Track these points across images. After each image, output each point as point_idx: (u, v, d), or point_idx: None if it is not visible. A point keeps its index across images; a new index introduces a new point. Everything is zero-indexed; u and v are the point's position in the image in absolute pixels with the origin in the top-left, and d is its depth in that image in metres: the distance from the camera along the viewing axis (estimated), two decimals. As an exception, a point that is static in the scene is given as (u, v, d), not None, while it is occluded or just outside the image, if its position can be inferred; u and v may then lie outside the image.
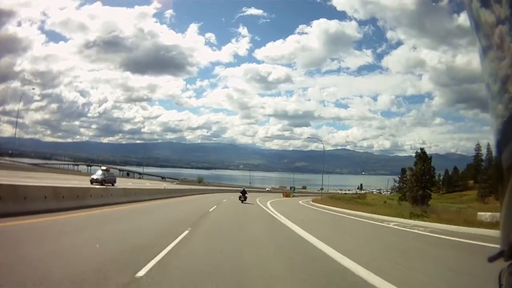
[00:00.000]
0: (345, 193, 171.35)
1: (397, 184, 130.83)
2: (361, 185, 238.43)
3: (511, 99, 1.26)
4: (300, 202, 58.21)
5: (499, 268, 1.44)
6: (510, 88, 1.26)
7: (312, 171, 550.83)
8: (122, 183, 49.56)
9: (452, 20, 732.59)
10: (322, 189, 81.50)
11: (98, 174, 44.68)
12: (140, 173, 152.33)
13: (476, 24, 1.44)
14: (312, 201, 59.17)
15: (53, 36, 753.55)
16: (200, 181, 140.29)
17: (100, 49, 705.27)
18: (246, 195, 45.44)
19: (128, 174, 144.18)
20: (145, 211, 21.43)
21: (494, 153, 1.46)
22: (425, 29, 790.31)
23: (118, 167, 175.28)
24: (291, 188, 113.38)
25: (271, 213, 27.61)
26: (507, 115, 1.30)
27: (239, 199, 43.86)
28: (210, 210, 25.64)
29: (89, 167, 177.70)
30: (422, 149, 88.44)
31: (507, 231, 1.37)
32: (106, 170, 47.78)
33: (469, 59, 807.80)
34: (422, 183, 77.57)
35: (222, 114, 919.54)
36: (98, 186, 30.26)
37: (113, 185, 41.70)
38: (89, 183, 38.86)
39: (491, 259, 1.41)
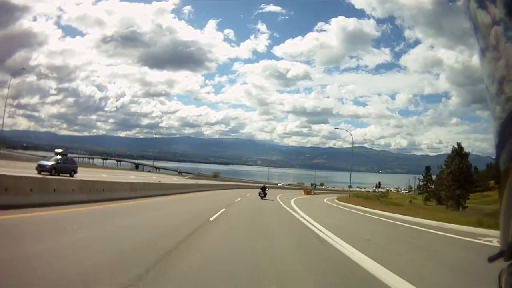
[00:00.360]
0: (368, 191, 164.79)
1: (421, 183, 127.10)
2: (379, 183, 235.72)
3: (508, 100, 1.26)
4: (325, 200, 52.73)
5: (499, 268, 1.43)
6: (506, 89, 1.26)
7: (329, 168, 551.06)
8: (119, 176, 42.86)
9: (468, 19, 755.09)
10: (350, 187, 79.36)
11: (49, 160, 34.84)
12: (156, 167, 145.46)
13: (474, 25, 1.43)
14: (338, 200, 54.86)
15: (70, 31, 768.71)
16: (216, 176, 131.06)
17: (118, 44, 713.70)
18: (266, 191, 45.29)
19: (137, 167, 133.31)
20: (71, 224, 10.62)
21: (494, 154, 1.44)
22: (442, 28, 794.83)
23: (136, 161, 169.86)
24: (312, 185, 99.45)
25: (302, 219, 18.74)
26: (504, 117, 1.29)
27: (259, 195, 43.85)
28: (211, 218, 15.75)
29: (104, 161, 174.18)
30: (459, 144, 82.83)
31: (507, 231, 1.36)
32: (62, 155, 36.35)
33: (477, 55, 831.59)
34: (459, 182, 71.19)
35: (240, 110, 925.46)
36: (46, 176, 20.76)
37: (71, 175, 32.66)
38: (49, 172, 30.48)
39: (491, 259, 1.41)
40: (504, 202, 1.34)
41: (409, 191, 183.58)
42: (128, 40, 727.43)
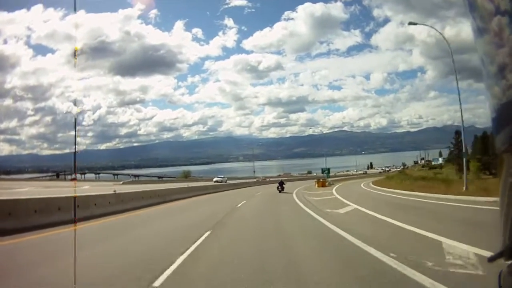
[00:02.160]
0: (382, 171, 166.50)
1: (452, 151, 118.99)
2: (371, 163, 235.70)
3: (510, 87, 1.25)
4: (366, 189, 44.74)
5: (499, 268, 1.43)
6: (509, 76, 1.26)
7: (311, 155, 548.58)
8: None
9: None
10: (387, 168, 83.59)
11: None
12: (135, 175, 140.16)
13: (470, 3, 1.43)
14: (374, 184, 53.44)
15: (41, 50, 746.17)
16: (186, 176, 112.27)
17: (88, 57, 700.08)
18: (284, 185, 46.65)
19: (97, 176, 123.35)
20: None
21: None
22: (411, 4, 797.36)
23: (116, 171, 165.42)
24: (323, 171, 71.96)
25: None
26: (504, 100, 1.29)
27: (277, 189, 45.32)
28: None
29: (83, 175, 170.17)
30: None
31: (507, 231, 1.36)
32: None
33: (458, 30, 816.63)
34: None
35: (216, 108, 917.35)
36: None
37: None
38: None
39: (491, 259, 1.41)
40: (504, 201, 1.32)
41: (403, 168, 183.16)
42: (98, 51, 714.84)
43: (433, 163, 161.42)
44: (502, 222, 1.36)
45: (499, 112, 1.31)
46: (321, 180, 59.79)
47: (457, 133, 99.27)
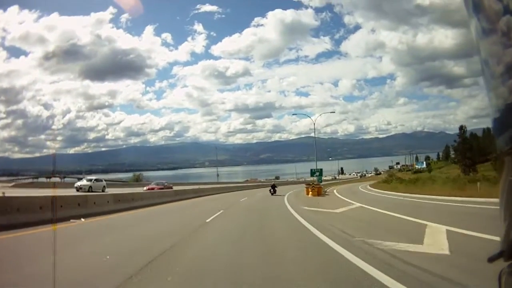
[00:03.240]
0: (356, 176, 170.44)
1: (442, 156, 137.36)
2: (341, 168, 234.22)
3: None
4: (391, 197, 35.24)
5: (499, 268, 1.41)
6: None
7: (277, 161, 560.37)
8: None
9: (410, 0, 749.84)
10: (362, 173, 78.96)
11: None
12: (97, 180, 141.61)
13: (474, 4, 1.42)
14: (372, 187, 55.53)
15: (14, 52, 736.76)
16: (137, 179, 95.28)
17: (60, 60, 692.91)
18: (276, 188, 46.86)
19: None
20: None
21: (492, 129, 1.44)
22: (383, 10, 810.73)
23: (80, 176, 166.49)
24: (313, 174, 50.60)
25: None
26: (511, 100, 1.27)
27: (269, 192, 45.46)
28: None
29: (48, 179, 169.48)
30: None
31: (507, 231, 1.34)
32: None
33: (430, 37, 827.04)
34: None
35: (183, 114, 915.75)
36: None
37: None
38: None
39: (491, 259, 1.39)
40: (504, 201, 1.33)
41: (376, 174, 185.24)
42: (69, 54, 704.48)
43: (417, 166, 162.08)
44: (502, 223, 1.36)
45: (505, 113, 1.30)
46: (314, 185, 41.37)
47: (461, 127, 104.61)
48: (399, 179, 73.45)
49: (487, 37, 1.36)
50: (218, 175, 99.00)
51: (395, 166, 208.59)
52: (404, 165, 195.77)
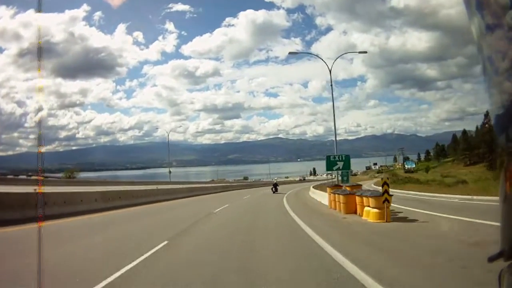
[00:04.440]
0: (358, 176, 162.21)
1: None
2: (314, 169, 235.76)
3: None
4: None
5: (499, 268, 1.42)
6: None
7: (245, 162, 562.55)
8: None
9: (384, 2, 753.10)
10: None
11: None
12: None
13: (479, 0, 1.44)
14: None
15: None
16: (69, 176, 76.19)
17: (33, 57, 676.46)
18: (278, 187, 49.28)
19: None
20: None
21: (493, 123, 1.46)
22: (356, 12, 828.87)
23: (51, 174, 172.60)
24: (332, 164, 26.35)
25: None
26: None
27: (271, 190, 47.66)
28: None
29: (28, 177, 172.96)
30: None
31: (507, 231, 1.36)
32: None
33: (403, 40, 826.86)
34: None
35: (152, 113, 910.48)
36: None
37: None
38: None
39: (491, 259, 1.41)
40: (504, 201, 1.34)
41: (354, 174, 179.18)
42: (42, 51, 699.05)
43: (407, 166, 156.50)
44: (501, 222, 1.37)
45: (510, 108, 1.29)
46: (363, 196, 17.25)
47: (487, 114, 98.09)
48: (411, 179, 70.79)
49: (492, 33, 1.35)
50: (170, 171, 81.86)
51: (372, 167, 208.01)
52: (383, 166, 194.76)
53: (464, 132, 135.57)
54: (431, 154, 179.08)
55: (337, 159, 26.34)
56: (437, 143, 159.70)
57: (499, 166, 1.35)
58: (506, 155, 1.32)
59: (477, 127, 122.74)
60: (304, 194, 41.35)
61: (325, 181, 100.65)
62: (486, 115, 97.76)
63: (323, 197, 27.31)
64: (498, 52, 1.34)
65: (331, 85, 32.33)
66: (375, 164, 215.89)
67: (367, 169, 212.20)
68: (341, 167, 26.17)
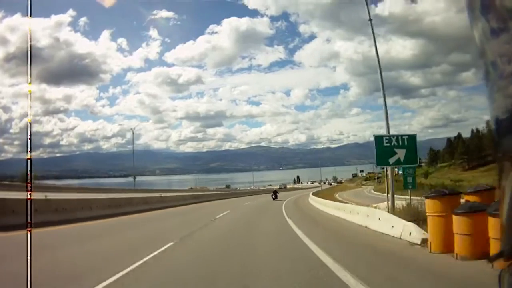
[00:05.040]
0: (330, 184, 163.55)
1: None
2: (297, 177, 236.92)
3: None
4: None
5: (499, 268, 1.41)
6: None
7: (228, 170, 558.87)
8: None
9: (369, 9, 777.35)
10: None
11: None
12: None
13: (483, 5, 1.43)
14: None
15: None
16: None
17: (20, 62, 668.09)
18: (278, 194, 49.40)
19: None
20: None
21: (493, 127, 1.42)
22: (340, 20, 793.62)
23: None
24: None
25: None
26: None
27: (271, 197, 47.47)
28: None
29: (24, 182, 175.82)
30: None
31: (507, 231, 1.36)
32: None
33: (387, 47, 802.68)
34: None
35: (135, 121, 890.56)
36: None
37: None
38: None
39: (491, 259, 1.47)
40: (505, 201, 1.31)
41: (338, 182, 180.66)
42: (31, 56, 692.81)
43: (400, 172, 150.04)
44: (501, 223, 1.37)
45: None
46: None
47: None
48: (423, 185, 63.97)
49: (497, 37, 1.34)
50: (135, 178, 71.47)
51: (359, 174, 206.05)
52: (370, 173, 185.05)
53: (459, 136, 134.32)
54: (423, 159, 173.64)
55: (394, 144, 15.79)
56: (430, 148, 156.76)
57: (499, 170, 1.36)
58: (509, 159, 1.31)
59: (472, 131, 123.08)
60: (311, 206, 34.14)
61: (312, 188, 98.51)
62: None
63: (363, 216, 15.96)
64: (503, 56, 1.34)
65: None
66: (361, 171, 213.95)
67: (353, 176, 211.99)
68: (402, 160, 15.63)
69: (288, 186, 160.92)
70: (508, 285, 1.36)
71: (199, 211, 30.07)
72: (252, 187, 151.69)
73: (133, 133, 72.07)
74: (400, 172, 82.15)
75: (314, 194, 44.59)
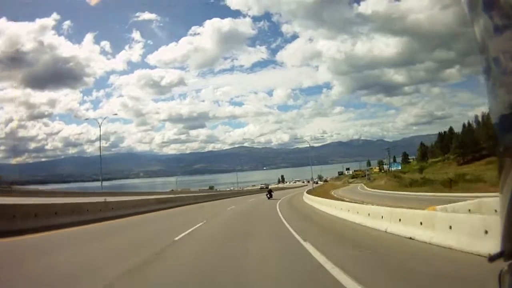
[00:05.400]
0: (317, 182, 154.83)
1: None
2: (282, 176, 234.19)
3: None
4: None
5: (499, 268, 1.42)
6: None
7: (211, 171, 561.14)
8: None
9: (351, 9, 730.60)
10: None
11: None
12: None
13: (487, 2, 1.44)
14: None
15: None
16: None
17: (5, 67, 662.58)
18: (272, 193, 49.03)
19: None
20: None
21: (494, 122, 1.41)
22: (323, 19, 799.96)
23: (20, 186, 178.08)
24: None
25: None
26: None
27: (266, 196, 47.11)
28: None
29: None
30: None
31: (507, 231, 1.37)
32: None
33: (370, 46, 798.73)
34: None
35: (118, 124, 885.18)
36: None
37: None
38: None
39: (491, 259, 1.43)
40: (505, 201, 1.32)
41: (324, 181, 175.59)
42: (13, 61, 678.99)
43: (391, 169, 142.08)
44: (502, 223, 1.36)
45: None
46: None
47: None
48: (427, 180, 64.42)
49: (500, 33, 1.34)
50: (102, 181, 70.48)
51: (345, 172, 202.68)
52: (357, 170, 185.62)
53: (451, 130, 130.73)
54: (412, 156, 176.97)
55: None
56: (421, 142, 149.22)
57: (500, 166, 1.36)
58: (511, 155, 1.31)
59: (464, 125, 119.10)
60: (314, 208, 28.26)
61: (299, 188, 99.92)
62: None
63: (410, 222, 11.21)
64: (506, 52, 1.34)
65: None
66: (347, 169, 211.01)
67: (339, 174, 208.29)
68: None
69: (270, 186, 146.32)
70: (508, 285, 1.38)
71: (154, 225, 19.66)
72: (232, 188, 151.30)
73: (100, 128, 66.82)
74: (391, 169, 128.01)
75: (308, 192, 43.75)
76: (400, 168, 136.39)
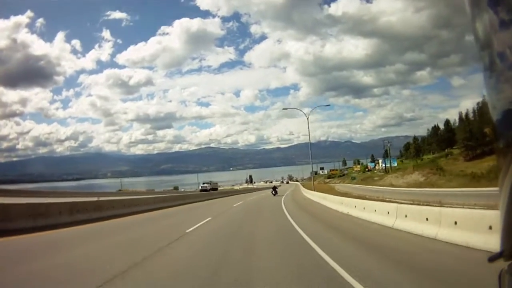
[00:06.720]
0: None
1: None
2: (250, 176, 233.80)
3: None
4: None
5: (499, 268, 1.42)
6: None
7: (178, 172, 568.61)
8: None
9: (322, 10, 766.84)
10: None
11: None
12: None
13: None
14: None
15: None
16: None
17: None
18: (277, 189, 49.58)
19: None
20: None
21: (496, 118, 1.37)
22: (292, 20, 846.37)
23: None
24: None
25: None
26: None
27: (271, 193, 47.21)
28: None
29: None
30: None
31: (507, 231, 1.35)
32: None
33: (339, 47, 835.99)
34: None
35: (87, 124, 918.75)
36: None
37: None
38: None
39: (491, 259, 1.42)
40: (505, 201, 1.30)
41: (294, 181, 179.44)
42: None
43: (387, 166, 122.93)
44: (502, 222, 1.35)
45: None
46: None
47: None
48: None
49: (506, 28, 1.32)
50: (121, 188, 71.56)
51: (320, 172, 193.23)
52: (333, 170, 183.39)
53: (447, 123, 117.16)
54: (378, 158, 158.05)
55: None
56: (414, 136, 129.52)
57: (500, 164, 1.34)
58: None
59: (460, 116, 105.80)
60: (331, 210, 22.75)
61: (268, 189, 73.80)
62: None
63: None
64: (510, 47, 1.32)
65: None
66: (322, 168, 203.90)
67: (315, 174, 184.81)
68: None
69: (236, 187, 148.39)
70: (508, 285, 1.36)
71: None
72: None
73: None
74: (384, 166, 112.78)
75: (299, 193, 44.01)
76: (396, 165, 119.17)
